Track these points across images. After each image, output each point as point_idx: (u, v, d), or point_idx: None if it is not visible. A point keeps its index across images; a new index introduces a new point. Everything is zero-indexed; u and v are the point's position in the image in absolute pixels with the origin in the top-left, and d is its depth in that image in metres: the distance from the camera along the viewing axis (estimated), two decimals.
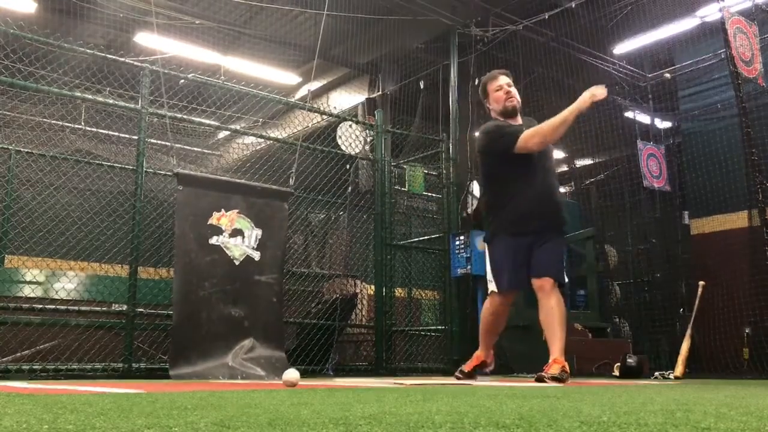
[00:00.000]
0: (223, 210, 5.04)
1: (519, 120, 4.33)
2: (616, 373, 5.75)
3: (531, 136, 4.10)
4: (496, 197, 4.37)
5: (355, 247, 7.62)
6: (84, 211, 6.75)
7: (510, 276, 4.21)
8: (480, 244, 6.06)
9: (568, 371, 3.99)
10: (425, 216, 8.46)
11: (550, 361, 3.97)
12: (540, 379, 3.94)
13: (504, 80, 4.34)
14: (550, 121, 4.09)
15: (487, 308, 4.39)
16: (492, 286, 4.41)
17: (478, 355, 4.45)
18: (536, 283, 4.12)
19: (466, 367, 4.46)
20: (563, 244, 4.34)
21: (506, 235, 4.25)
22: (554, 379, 3.86)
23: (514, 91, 4.32)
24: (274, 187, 5.54)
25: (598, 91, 4.01)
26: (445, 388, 2.99)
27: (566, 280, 4.27)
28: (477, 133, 4.47)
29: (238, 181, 5.50)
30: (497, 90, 4.31)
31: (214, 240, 4.94)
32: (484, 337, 4.44)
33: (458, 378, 4.38)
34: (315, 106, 8.41)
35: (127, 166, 7.02)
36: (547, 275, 4.10)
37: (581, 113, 4.04)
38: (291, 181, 5.55)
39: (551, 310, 4.04)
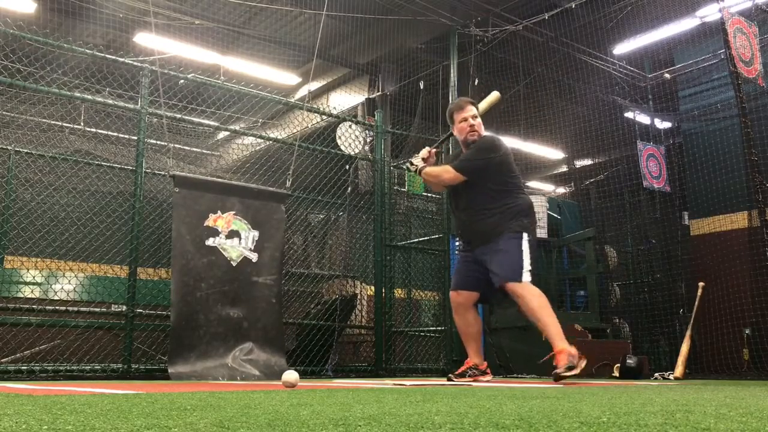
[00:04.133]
0: (219, 212, 5.05)
1: None
2: (616, 373, 5.75)
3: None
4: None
5: (355, 247, 7.62)
6: (83, 211, 6.75)
7: (454, 278, 4.63)
8: None
9: (575, 353, 4.01)
10: (425, 217, 8.45)
11: (554, 353, 4.02)
12: (558, 378, 3.94)
13: (470, 112, 4.46)
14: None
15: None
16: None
17: (467, 360, 4.51)
18: (507, 290, 4.24)
19: (457, 371, 4.52)
20: (506, 246, 4.26)
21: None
22: (570, 368, 3.91)
23: (477, 122, 4.46)
24: (271, 188, 5.55)
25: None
26: (445, 389, 2.98)
27: (524, 275, 4.18)
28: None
29: (235, 183, 5.50)
30: (462, 121, 4.47)
31: (210, 241, 4.94)
32: (464, 341, 4.58)
33: (449, 379, 4.38)
34: (314, 106, 8.41)
35: (126, 167, 7.02)
36: (502, 281, 4.21)
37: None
38: (288, 183, 5.55)
39: (525, 307, 4.14)
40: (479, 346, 4.48)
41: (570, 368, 3.91)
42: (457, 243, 6.63)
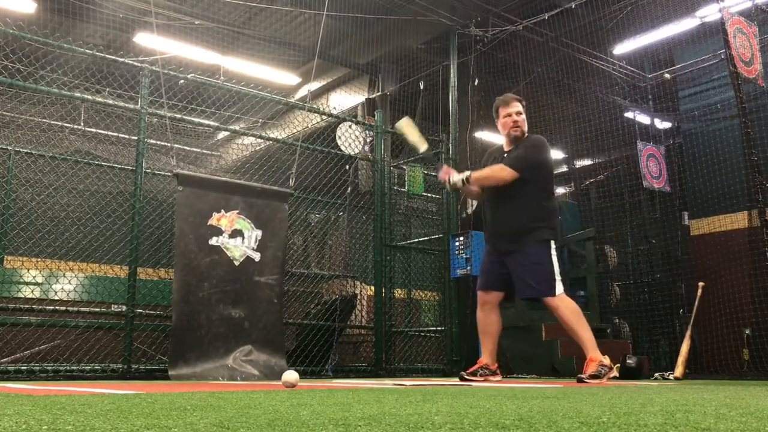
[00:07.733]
0: (222, 211, 5.04)
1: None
2: (616, 374, 5.74)
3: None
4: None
5: (355, 247, 7.62)
6: (83, 211, 6.75)
7: (482, 277, 4.56)
8: None
9: (608, 364, 4.17)
10: (425, 217, 8.45)
11: (586, 360, 4.21)
12: (579, 380, 4.06)
13: (515, 108, 4.50)
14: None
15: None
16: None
17: (480, 359, 4.52)
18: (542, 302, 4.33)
19: (469, 370, 4.51)
20: (537, 256, 4.28)
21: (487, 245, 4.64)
22: (593, 377, 4.04)
23: (521, 119, 4.50)
24: (274, 187, 5.54)
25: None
26: (445, 389, 2.98)
27: (558, 285, 4.23)
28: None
29: (238, 181, 5.49)
30: (506, 116, 4.51)
31: (213, 241, 4.93)
32: (481, 339, 4.57)
33: (461, 378, 4.40)
34: (314, 106, 8.41)
35: (126, 167, 7.02)
36: (536, 295, 4.29)
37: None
38: (291, 182, 5.55)
39: (561, 319, 4.26)
40: (495, 347, 4.51)
41: (595, 377, 4.05)
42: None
